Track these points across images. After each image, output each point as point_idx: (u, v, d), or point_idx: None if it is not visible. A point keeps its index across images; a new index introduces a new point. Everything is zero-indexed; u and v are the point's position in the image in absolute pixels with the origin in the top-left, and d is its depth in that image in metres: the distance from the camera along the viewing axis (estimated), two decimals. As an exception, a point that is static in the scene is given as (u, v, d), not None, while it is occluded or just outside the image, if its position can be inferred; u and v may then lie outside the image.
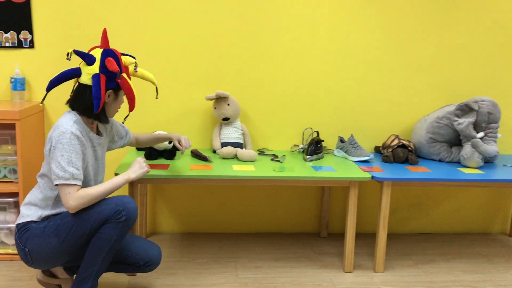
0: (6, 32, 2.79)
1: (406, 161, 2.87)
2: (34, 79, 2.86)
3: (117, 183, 2.02)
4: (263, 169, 2.55)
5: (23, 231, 1.99)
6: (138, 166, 2.11)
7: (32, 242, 1.97)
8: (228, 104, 2.85)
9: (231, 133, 2.89)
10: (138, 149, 2.88)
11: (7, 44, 2.80)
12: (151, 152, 2.66)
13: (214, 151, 2.91)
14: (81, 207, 1.93)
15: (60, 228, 1.95)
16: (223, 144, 2.88)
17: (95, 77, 1.98)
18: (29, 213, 2.01)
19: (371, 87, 3.07)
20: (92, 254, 1.97)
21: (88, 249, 1.97)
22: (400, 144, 2.87)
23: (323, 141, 2.94)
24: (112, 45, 2.16)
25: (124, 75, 2.06)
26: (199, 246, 2.94)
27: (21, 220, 2.02)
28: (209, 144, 3.04)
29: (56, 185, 1.91)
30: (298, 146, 3.07)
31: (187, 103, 2.97)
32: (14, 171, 2.64)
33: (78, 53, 2.00)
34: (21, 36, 2.81)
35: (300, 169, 2.60)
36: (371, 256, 2.88)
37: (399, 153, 2.84)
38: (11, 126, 2.55)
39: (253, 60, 2.97)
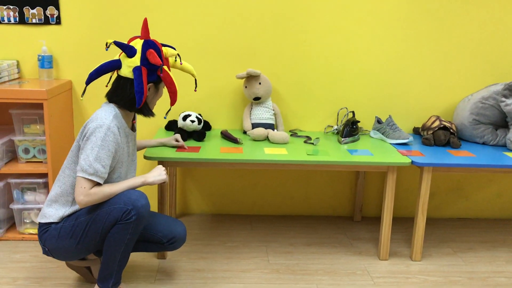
0: (32, 8, 2.72)
1: (447, 144, 2.71)
2: (62, 56, 2.79)
3: (132, 184, 1.95)
4: (296, 153, 2.44)
5: (43, 231, 1.97)
6: (158, 173, 2.03)
7: (50, 242, 1.95)
8: (260, 83, 2.73)
9: (262, 114, 2.78)
10: (168, 129, 2.80)
11: (33, 21, 2.74)
12: (180, 133, 2.58)
13: (245, 132, 2.81)
14: (90, 204, 1.87)
15: (75, 229, 1.91)
16: (254, 125, 2.78)
17: (137, 70, 1.90)
18: (51, 213, 1.96)
19: (410, 65, 2.89)
20: (109, 254, 1.93)
21: (104, 249, 1.93)
22: (442, 126, 2.70)
23: (359, 122, 2.80)
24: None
25: (165, 67, 1.98)
26: (230, 228, 2.88)
27: (42, 219, 1.98)
28: (239, 124, 2.94)
29: (77, 176, 1.86)
30: (332, 127, 2.94)
31: (216, 82, 2.87)
32: (43, 151, 2.61)
33: (118, 44, 1.92)
34: (48, 12, 2.73)
35: (334, 152, 2.48)
36: (407, 242, 2.76)
37: (440, 135, 2.68)
38: (39, 106, 2.51)
39: (286, 37, 2.82)
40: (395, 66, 2.88)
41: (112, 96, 1.98)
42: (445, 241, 2.81)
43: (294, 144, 2.62)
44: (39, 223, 1.99)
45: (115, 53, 2.21)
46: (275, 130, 2.81)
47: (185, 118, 2.57)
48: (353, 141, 2.72)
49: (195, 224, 2.93)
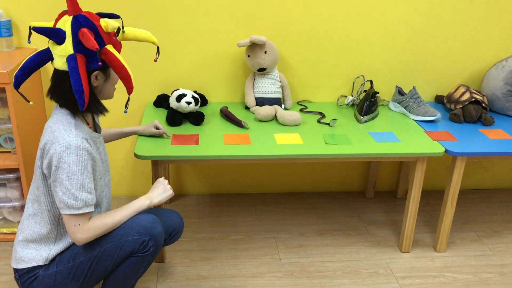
0: (-20, -41, 2.17)
1: (478, 120, 2.40)
2: (22, 20, 2.29)
3: (137, 209, 1.60)
4: (312, 140, 2.09)
5: (28, 280, 1.59)
6: (162, 190, 1.67)
7: None
8: (265, 52, 2.31)
9: (268, 86, 2.38)
10: (157, 105, 2.39)
11: (-17, -24, 2.20)
12: (174, 115, 2.18)
13: (247, 108, 2.43)
14: (91, 240, 1.52)
15: (76, 271, 1.56)
16: (258, 100, 2.39)
17: (71, 60, 1.43)
18: (30, 255, 1.58)
19: (433, 24, 2.48)
20: (117, 285, 1.61)
21: (111, 279, 1.61)
22: (473, 99, 2.37)
23: (377, 93, 2.44)
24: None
25: (109, 47, 1.49)
26: (232, 215, 2.57)
27: (21, 264, 1.59)
28: (240, 97, 2.55)
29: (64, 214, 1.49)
30: (346, 97, 2.57)
31: (212, 48, 2.42)
32: (10, 140, 2.20)
33: (39, 30, 1.43)
34: (0, -36, 2.19)
35: (356, 138, 2.13)
36: (427, 225, 2.52)
37: (471, 111, 2.35)
38: (1, 89, 2.06)
39: (295, -7, 2.36)
40: (418, 27, 2.47)
41: (57, 98, 1.53)
42: (466, 222, 2.58)
43: (307, 126, 2.26)
44: (17, 270, 1.61)
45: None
46: (283, 105, 2.44)
47: (179, 98, 2.16)
48: (372, 118, 2.37)
49: (193, 209, 2.61)
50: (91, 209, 1.49)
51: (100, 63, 1.44)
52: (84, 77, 1.44)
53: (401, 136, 2.18)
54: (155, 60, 1.64)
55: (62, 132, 1.46)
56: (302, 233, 2.44)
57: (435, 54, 2.54)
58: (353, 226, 2.52)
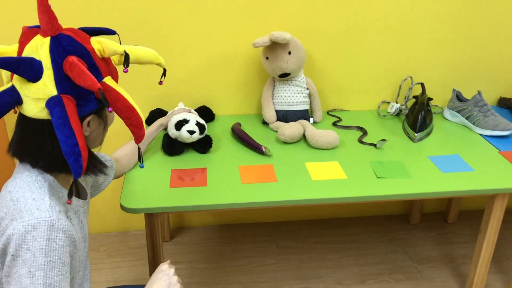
0: None
1: None
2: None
3: None
4: (358, 172, 1.56)
5: None
6: (166, 284, 1.13)
7: None
8: (289, 53, 1.76)
9: (292, 96, 1.85)
10: (150, 122, 1.86)
11: None
12: (172, 142, 1.65)
13: (265, 122, 1.90)
14: None
15: None
16: (280, 114, 1.86)
17: (54, 106, 0.92)
18: None
19: (498, 8, 1.93)
20: None
21: None
22: (557, 106, 1.84)
23: (431, 99, 1.91)
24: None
25: (108, 80, 1.00)
26: (248, 256, 2.06)
27: None
28: (255, 108, 2.01)
29: None
30: (389, 103, 2.04)
31: (220, 51, 1.87)
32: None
33: (1, 62, 0.89)
34: None
35: (414, 166, 1.59)
36: (498, 263, 2.02)
37: (555, 122, 1.83)
38: None
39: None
40: (479, 12, 1.92)
41: (22, 155, 1.01)
42: (540, 256, 2.09)
43: (345, 148, 1.73)
44: None
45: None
46: (311, 118, 1.90)
47: (179, 125, 1.63)
48: (428, 134, 1.84)
49: (198, 248, 2.09)
50: None
51: (110, 109, 0.96)
52: (78, 131, 0.93)
53: (472, 161, 1.65)
54: (160, 83, 1.13)
55: (29, 203, 0.94)
56: (339, 280, 1.93)
57: (501, 46, 2.00)
58: (401, 266, 2.01)
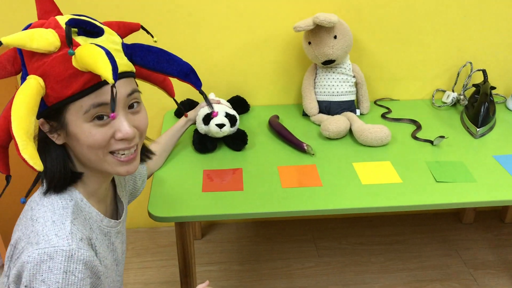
0: None
1: None
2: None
3: None
4: (414, 175, 1.37)
5: None
6: None
7: None
8: (335, 37, 1.56)
9: (337, 85, 1.66)
10: (179, 115, 1.71)
11: None
12: (203, 139, 1.49)
13: (305, 114, 1.72)
14: None
15: None
16: (323, 105, 1.67)
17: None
18: None
19: None
20: None
21: None
22: None
23: (494, 88, 1.69)
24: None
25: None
26: (287, 259, 1.91)
27: None
28: (294, 98, 1.82)
29: None
30: (444, 92, 1.82)
31: (256, 35, 1.68)
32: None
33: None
34: None
35: (477, 168, 1.39)
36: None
37: None
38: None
39: None
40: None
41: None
42: None
43: (397, 144, 1.54)
44: None
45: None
46: (357, 110, 1.71)
47: (207, 119, 1.47)
48: (490, 129, 1.63)
49: (232, 248, 1.95)
50: None
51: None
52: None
53: (546, 162, 1.44)
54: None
55: (47, 226, 0.81)
56: (386, 287, 1.77)
57: None
58: (455, 272, 1.83)
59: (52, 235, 0.80)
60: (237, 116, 1.50)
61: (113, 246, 0.96)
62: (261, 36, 1.69)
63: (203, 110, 1.49)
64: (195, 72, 0.88)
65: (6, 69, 0.81)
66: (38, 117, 0.78)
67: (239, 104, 1.73)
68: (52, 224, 0.81)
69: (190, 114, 1.51)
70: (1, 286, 0.88)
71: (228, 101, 1.71)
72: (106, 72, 0.71)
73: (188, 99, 1.72)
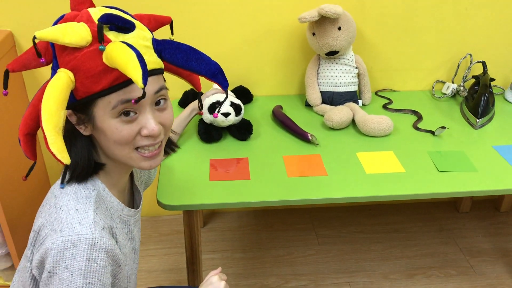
0: None
1: None
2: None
3: None
4: (416, 164, 1.40)
5: None
6: None
7: None
8: (339, 28, 1.58)
9: (340, 76, 1.68)
10: (183, 105, 1.72)
11: None
12: (209, 129, 1.51)
13: (308, 104, 1.74)
14: None
15: None
16: (326, 95, 1.69)
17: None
18: None
19: None
20: None
21: None
22: None
23: (493, 80, 1.72)
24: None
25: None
26: (288, 247, 1.95)
27: None
28: (297, 88, 1.84)
29: None
30: (444, 83, 1.85)
31: (260, 25, 1.70)
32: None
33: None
34: None
35: (478, 158, 1.42)
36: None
37: None
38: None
39: None
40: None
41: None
42: None
43: (399, 134, 1.57)
44: None
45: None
46: (359, 100, 1.74)
47: (212, 109, 1.48)
48: (490, 119, 1.66)
49: (234, 236, 1.97)
50: None
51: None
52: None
53: (544, 152, 1.48)
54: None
55: (71, 214, 0.83)
56: (385, 274, 1.81)
57: None
58: (452, 259, 1.87)
59: (75, 223, 0.81)
60: (242, 105, 1.52)
61: (131, 234, 0.98)
62: (265, 27, 1.71)
63: (208, 100, 1.51)
64: (223, 72, 0.88)
65: (37, 60, 0.82)
66: (66, 108, 0.80)
67: (243, 94, 1.75)
68: (75, 213, 0.83)
69: (194, 104, 1.52)
70: (23, 269, 0.90)
71: (232, 91, 1.72)
72: (136, 76, 0.72)
73: (192, 89, 1.73)
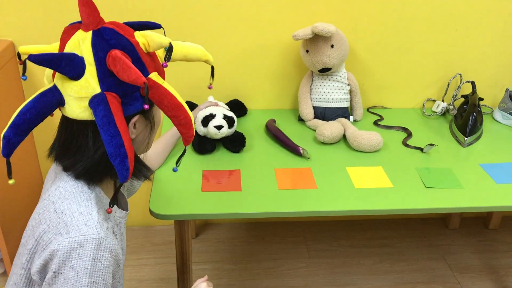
0: None
1: None
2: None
3: None
4: (404, 180, 1.43)
5: None
6: None
7: None
8: (332, 46, 1.63)
9: (332, 92, 1.72)
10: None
11: None
12: (203, 140, 1.54)
13: (301, 119, 1.78)
14: None
15: None
16: (318, 111, 1.73)
17: (98, 105, 0.83)
18: None
19: None
20: None
21: None
22: None
23: (482, 99, 1.77)
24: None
25: (154, 76, 0.89)
26: (279, 259, 1.97)
27: None
28: (290, 103, 1.88)
29: None
30: (434, 102, 1.90)
31: (255, 41, 1.74)
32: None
33: (38, 59, 0.80)
34: None
35: (465, 175, 1.46)
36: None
37: None
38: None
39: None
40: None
41: (62, 158, 0.91)
42: None
43: (388, 150, 1.60)
44: None
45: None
46: (351, 116, 1.78)
47: (205, 121, 1.52)
48: (478, 138, 1.71)
49: (225, 247, 2.00)
50: None
51: (146, 106, 0.82)
52: (124, 131, 0.84)
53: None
54: (210, 87, 1.03)
55: (75, 217, 0.86)
56: (374, 288, 1.84)
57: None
58: (440, 275, 1.90)
59: (81, 224, 0.85)
60: (235, 118, 1.56)
61: (122, 236, 1.01)
62: (260, 43, 1.75)
63: (201, 113, 1.54)
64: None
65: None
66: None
67: (237, 107, 1.79)
68: (79, 215, 0.86)
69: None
70: (16, 277, 0.93)
71: (226, 104, 1.76)
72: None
73: (187, 101, 1.77)
